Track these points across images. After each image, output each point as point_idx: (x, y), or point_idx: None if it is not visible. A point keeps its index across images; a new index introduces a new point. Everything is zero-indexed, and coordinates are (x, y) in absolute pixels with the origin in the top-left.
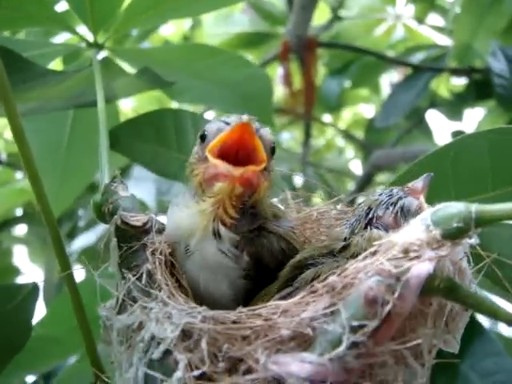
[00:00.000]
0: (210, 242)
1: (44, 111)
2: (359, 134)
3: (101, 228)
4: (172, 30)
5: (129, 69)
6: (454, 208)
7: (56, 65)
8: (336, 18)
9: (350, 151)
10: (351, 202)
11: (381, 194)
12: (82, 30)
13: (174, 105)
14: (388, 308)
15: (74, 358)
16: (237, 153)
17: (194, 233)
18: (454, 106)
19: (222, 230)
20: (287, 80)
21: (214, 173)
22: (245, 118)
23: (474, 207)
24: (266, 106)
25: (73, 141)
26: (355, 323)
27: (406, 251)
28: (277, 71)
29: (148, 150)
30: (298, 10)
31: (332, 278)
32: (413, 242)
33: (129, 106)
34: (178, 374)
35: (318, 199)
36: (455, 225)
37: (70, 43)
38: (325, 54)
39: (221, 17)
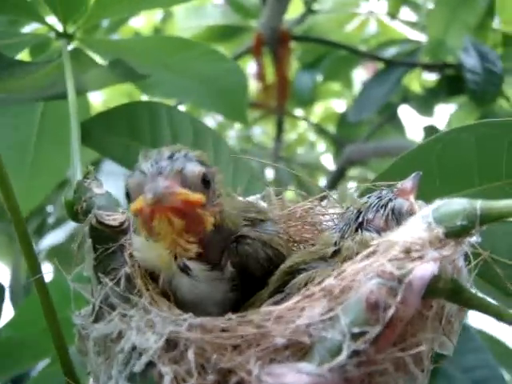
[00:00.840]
0: (181, 277)
1: (10, 103)
2: (331, 128)
3: (71, 225)
4: (142, 22)
5: (99, 61)
6: (457, 205)
7: (23, 57)
8: (309, 11)
9: (321, 145)
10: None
11: (370, 197)
12: (51, 20)
13: (145, 99)
14: (390, 313)
15: (45, 361)
16: None
17: (161, 270)
18: (426, 102)
19: (189, 263)
20: (260, 74)
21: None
22: (158, 190)
23: (479, 204)
24: (240, 101)
25: (42, 136)
26: (356, 330)
27: (407, 251)
28: (249, 65)
29: (120, 144)
30: (272, 2)
31: (329, 281)
32: (414, 242)
33: (99, 100)
34: None
35: (290, 194)
36: (459, 223)
37: (38, 33)
38: (297, 47)
39: (192, 9)
